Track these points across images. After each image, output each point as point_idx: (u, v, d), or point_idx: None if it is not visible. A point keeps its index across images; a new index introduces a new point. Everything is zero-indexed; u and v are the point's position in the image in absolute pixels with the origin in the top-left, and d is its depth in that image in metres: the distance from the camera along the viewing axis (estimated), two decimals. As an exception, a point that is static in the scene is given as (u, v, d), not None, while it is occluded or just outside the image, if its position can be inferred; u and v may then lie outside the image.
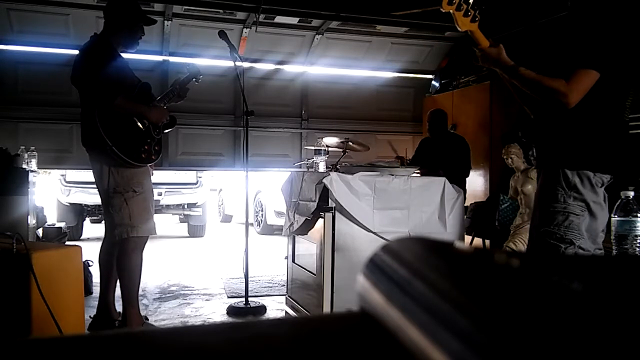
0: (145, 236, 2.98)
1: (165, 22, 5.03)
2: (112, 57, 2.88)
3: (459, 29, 1.98)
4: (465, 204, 3.89)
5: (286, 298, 3.61)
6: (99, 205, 6.68)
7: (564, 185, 1.99)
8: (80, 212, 7.34)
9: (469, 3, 1.95)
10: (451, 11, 1.94)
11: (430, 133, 4.66)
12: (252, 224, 8.58)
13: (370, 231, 2.89)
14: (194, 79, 3.19)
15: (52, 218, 6.79)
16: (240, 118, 5.45)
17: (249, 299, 3.69)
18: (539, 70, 2.02)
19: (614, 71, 1.97)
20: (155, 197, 7.01)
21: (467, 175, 4.57)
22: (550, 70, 2.03)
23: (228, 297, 4.12)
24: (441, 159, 4.36)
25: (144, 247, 3.00)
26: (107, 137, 2.75)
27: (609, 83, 1.96)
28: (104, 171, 2.87)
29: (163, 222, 9.45)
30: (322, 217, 2.92)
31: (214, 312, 3.74)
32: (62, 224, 6.04)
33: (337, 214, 2.86)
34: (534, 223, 2.12)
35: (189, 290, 4.42)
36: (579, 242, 1.99)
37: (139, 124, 2.89)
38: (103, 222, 3.38)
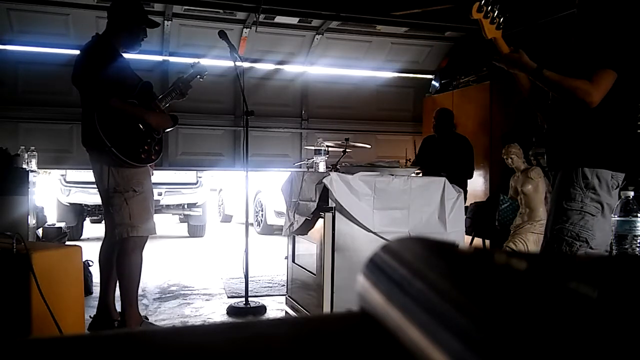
0: (145, 236, 2.98)
1: (165, 22, 5.03)
2: (112, 57, 2.88)
3: (485, 36, 2.04)
4: (465, 204, 3.89)
5: (286, 298, 3.61)
6: (99, 205, 6.68)
7: (582, 185, 2.01)
8: (80, 212, 7.34)
9: (495, 11, 2.00)
10: (479, 19, 1.99)
11: (435, 131, 4.67)
12: (252, 224, 8.58)
13: (370, 231, 2.89)
14: (198, 76, 3.20)
15: (52, 218, 6.79)
16: (240, 118, 5.46)
17: (249, 299, 3.69)
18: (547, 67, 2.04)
19: (630, 71, 1.99)
20: (155, 197, 6.99)
21: (471, 177, 4.58)
22: (562, 68, 2.05)
23: (228, 297, 4.12)
24: (445, 158, 4.37)
25: (143, 247, 3.00)
26: (106, 138, 2.75)
27: (625, 83, 1.99)
28: (104, 171, 2.87)
29: (163, 222, 9.44)
30: (322, 217, 2.92)
31: (214, 312, 3.74)
32: (62, 224, 6.04)
33: (337, 214, 2.85)
34: (549, 223, 2.13)
35: (189, 290, 4.42)
36: (593, 242, 2.01)
37: (139, 124, 2.89)
38: (103, 222, 3.38)
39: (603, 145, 2.03)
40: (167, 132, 3.24)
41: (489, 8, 1.98)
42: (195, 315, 3.65)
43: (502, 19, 2.02)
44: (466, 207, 4.12)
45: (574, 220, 2.02)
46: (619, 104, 2.02)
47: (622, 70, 1.97)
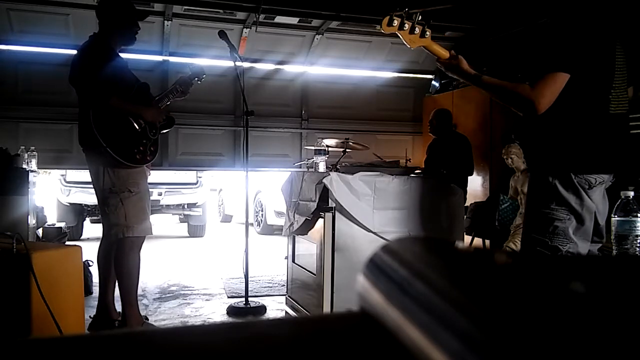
0: (142, 236, 2.99)
1: (165, 22, 5.02)
2: (108, 57, 2.88)
3: (409, 47, 1.95)
4: (465, 204, 3.89)
5: (286, 298, 3.61)
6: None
7: (546, 191, 1.93)
8: (80, 212, 7.34)
9: (413, 20, 1.90)
10: (396, 32, 1.89)
11: (435, 133, 4.63)
12: (252, 224, 8.57)
13: (370, 231, 2.89)
14: (196, 79, 3.20)
15: (52, 218, 6.79)
16: (240, 118, 5.45)
17: (249, 299, 3.69)
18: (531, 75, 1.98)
19: (585, 68, 1.89)
20: (155, 197, 7.05)
21: (471, 174, 4.57)
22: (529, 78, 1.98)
23: (228, 297, 4.12)
24: (445, 158, 4.36)
25: (141, 246, 3.01)
26: (101, 138, 2.75)
27: (582, 81, 1.89)
28: (100, 171, 2.88)
29: (163, 222, 9.44)
30: (322, 217, 2.92)
31: (214, 312, 3.74)
32: (62, 224, 6.03)
33: (337, 214, 2.86)
34: (524, 229, 2.08)
35: (189, 290, 4.42)
36: (566, 247, 1.92)
37: (135, 125, 2.90)
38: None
39: (561, 151, 1.93)
40: (165, 132, 3.24)
41: (403, 19, 1.87)
42: (195, 315, 3.65)
43: (425, 26, 1.91)
44: (466, 207, 4.12)
45: (543, 228, 1.93)
46: (578, 104, 1.90)
47: (575, 69, 1.86)
